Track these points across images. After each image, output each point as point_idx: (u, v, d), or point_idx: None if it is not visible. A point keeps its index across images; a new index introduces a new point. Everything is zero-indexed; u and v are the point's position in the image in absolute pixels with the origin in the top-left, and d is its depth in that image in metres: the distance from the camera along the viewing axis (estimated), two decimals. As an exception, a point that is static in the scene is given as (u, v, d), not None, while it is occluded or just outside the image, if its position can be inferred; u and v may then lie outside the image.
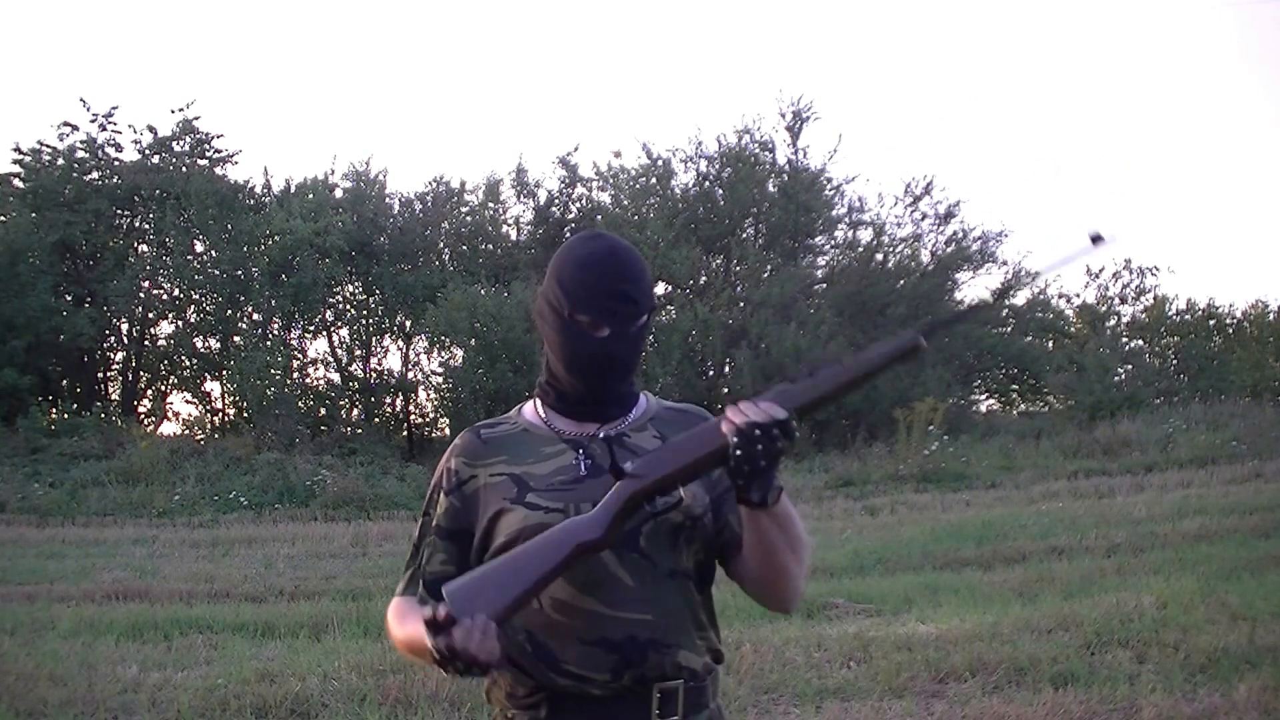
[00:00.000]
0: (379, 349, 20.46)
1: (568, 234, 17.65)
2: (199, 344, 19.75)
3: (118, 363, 20.83)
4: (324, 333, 20.09)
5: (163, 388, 20.62)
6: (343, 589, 8.46)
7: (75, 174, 19.54)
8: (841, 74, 37.47)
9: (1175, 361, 21.83)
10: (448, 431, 19.34)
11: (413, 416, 20.39)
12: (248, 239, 18.78)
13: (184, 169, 19.75)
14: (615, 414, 1.85)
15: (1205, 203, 37.72)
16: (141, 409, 19.89)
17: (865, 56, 39.40)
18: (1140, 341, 21.86)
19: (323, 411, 19.05)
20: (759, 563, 1.77)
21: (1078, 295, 22.13)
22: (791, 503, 1.74)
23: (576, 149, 23.57)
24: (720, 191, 20.13)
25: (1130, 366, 20.48)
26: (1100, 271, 21.88)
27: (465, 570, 1.76)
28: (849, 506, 12.75)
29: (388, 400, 20.04)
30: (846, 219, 21.04)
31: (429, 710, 4.91)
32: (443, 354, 19.58)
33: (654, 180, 20.41)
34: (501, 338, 17.26)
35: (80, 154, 19.63)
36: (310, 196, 19.27)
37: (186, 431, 19.36)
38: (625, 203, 20.70)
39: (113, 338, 20.36)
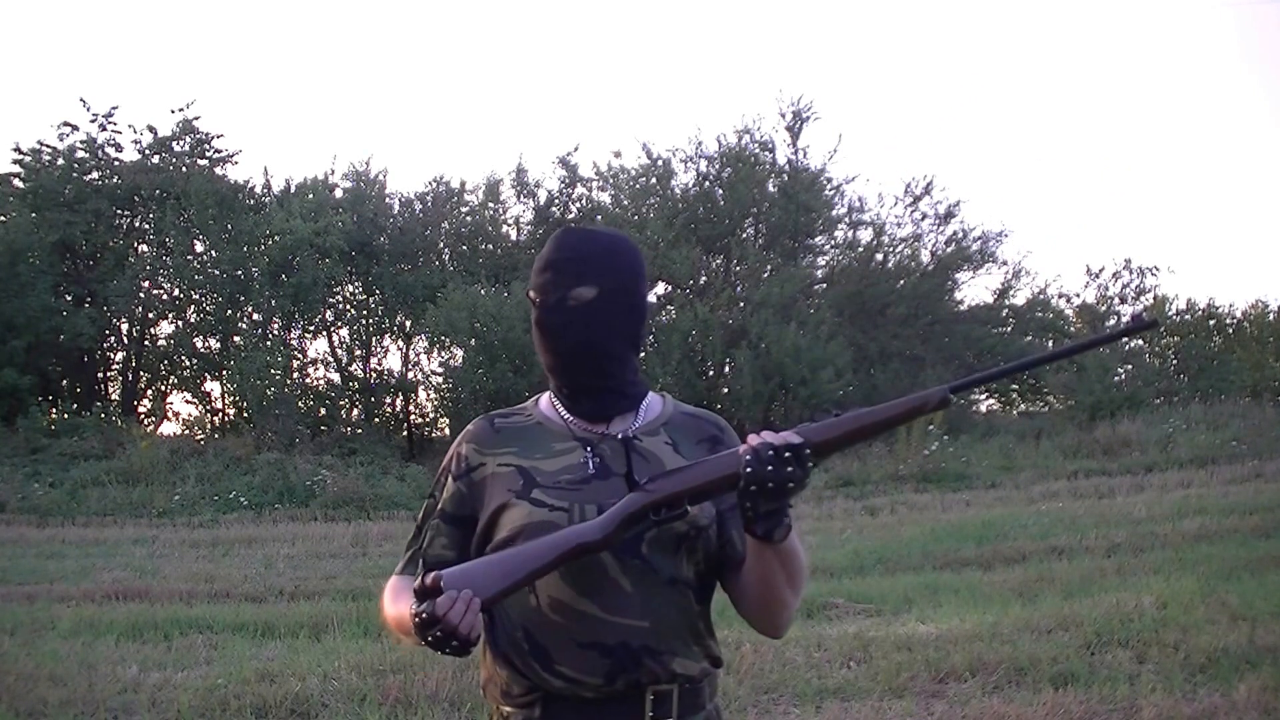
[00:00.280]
0: (379, 349, 20.46)
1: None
2: (199, 344, 19.73)
3: (118, 363, 20.82)
4: (324, 333, 20.09)
5: (163, 388, 20.61)
6: (343, 589, 8.46)
7: (75, 174, 19.53)
8: (841, 74, 37.50)
9: (1175, 361, 21.82)
10: (448, 431, 19.34)
11: (413, 416, 20.39)
12: (248, 239, 18.77)
13: (184, 169, 19.74)
14: (613, 411, 1.83)
15: (1205, 203, 37.75)
16: (141, 409, 19.88)
17: (865, 56, 39.43)
18: (1140, 342, 21.83)
19: (323, 411, 19.04)
20: (756, 589, 1.77)
21: (1078, 295, 22.10)
22: (798, 537, 1.72)
23: (576, 149, 23.60)
24: (720, 191, 20.12)
25: (1130, 366, 20.46)
26: (1100, 271, 21.91)
27: (466, 555, 1.78)
28: (849, 506, 12.75)
29: (388, 400, 20.03)
30: (846, 219, 21.05)
31: (429, 710, 4.91)
32: (443, 354, 19.57)
33: (654, 180, 20.40)
34: (501, 338, 17.25)
35: (80, 154, 19.62)
36: (310, 196, 19.25)
37: (186, 431, 19.36)
38: (625, 203, 20.69)
39: (113, 338, 20.35)
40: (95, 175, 19.77)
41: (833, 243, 21.35)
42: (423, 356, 20.23)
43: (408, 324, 19.98)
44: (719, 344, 18.26)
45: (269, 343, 18.86)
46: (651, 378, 16.65)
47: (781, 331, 17.63)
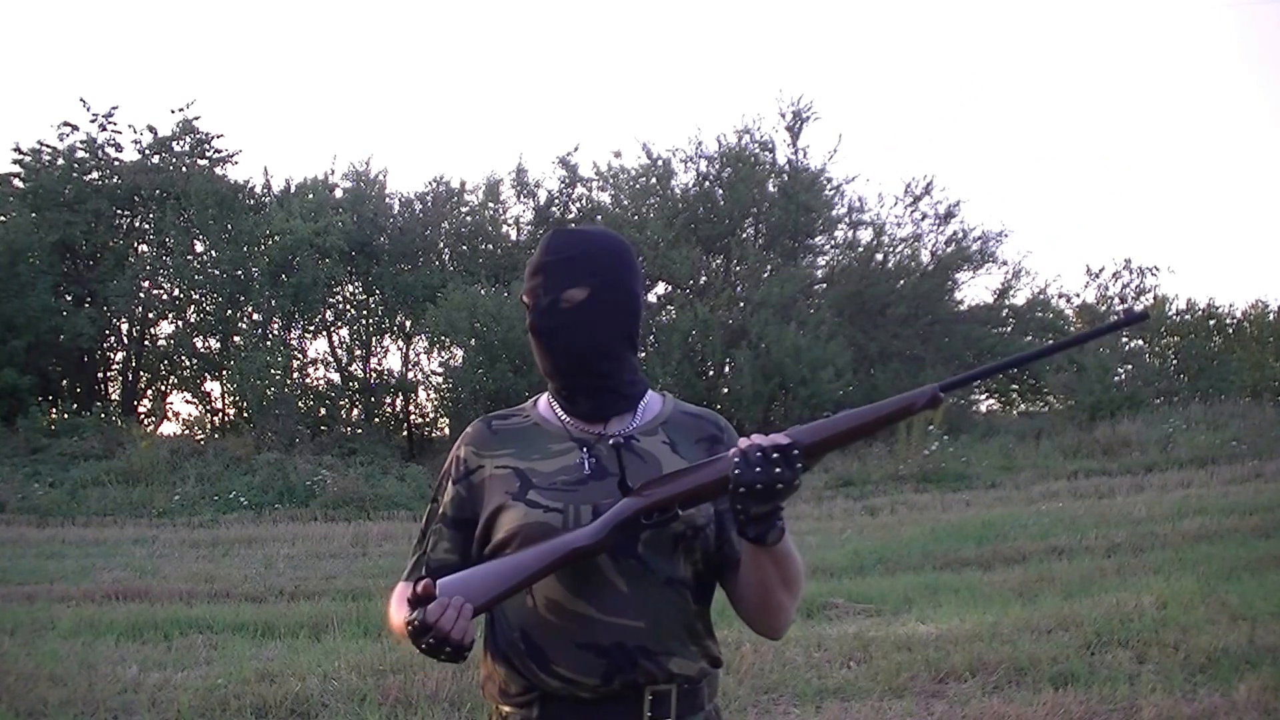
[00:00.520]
0: (379, 349, 20.45)
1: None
2: (199, 344, 19.73)
3: (118, 363, 20.82)
4: (324, 333, 20.08)
5: (163, 388, 20.60)
6: (343, 589, 8.46)
7: (75, 174, 19.52)
8: (841, 74, 37.50)
9: (1175, 361, 21.82)
10: (448, 431, 19.34)
11: (413, 416, 20.39)
12: (248, 239, 18.77)
13: (184, 169, 19.73)
14: (611, 411, 1.83)
15: (1205, 203, 37.74)
16: (141, 409, 19.87)
17: (865, 56, 39.43)
18: (1140, 341, 21.84)
19: (323, 411, 19.04)
20: (752, 591, 1.77)
21: (1078, 295, 22.11)
22: (792, 540, 1.72)
23: (576, 149, 23.61)
24: (720, 191, 20.12)
25: (1130, 366, 20.47)
26: (1100, 271, 21.92)
27: (469, 558, 1.79)
28: (849, 506, 12.75)
29: (388, 400, 20.02)
30: (846, 219, 21.05)
31: (429, 710, 4.91)
32: (443, 354, 19.57)
33: (654, 180, 20.40)
34: (501, 338, 17.25)
35: (80, 154, 19.62)
36: (310, 196, 19.25)
37: (186, 431, 19.36)
38: (625, 203, 20.69)
39: (113, 338, 20.35)
40: (95, 175, 19.76)
41: (833, 243, 21.38)
42: (423, 356, 20.26)
43: (408, 324, 19.98)
44: (719, 344, 18.26)
45: (269, 343, 18.86)
46: (651, 378, 16.57)
47: (781, 331, 17.63)
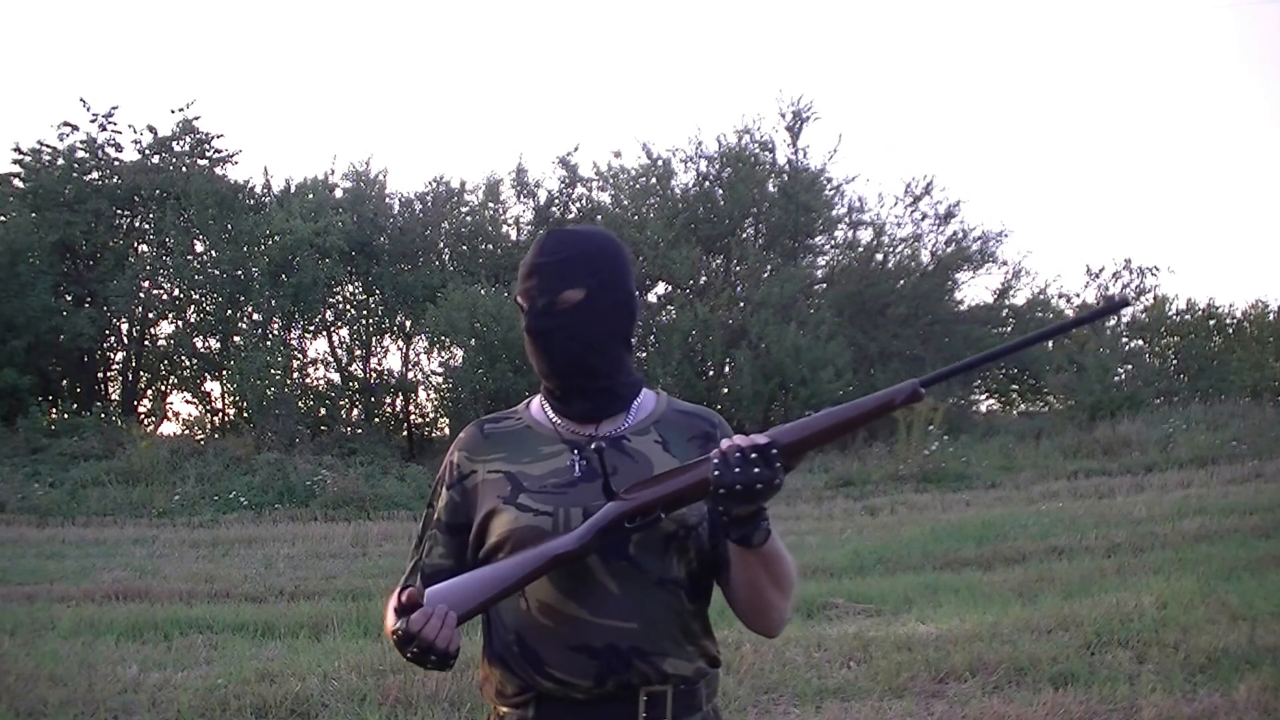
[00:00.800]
0: (379, 349, 20.45)
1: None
2: (199, 344, 19.73)
3: (118, 363, 20.82)
4: (324, 333, 20.08)
5: (163, 388, 20.60)
6: (343, 589, 8.46)
7: (75, 174, 19.52)
8: (841, 74, 37.50)
9: (1175, 361, 21.82)
10: (448, 431, 19.33)
11: (413, 416, 20.39)
12: (248, 239, 18.77)
13: (184, 169, 19.73)
14: (605, 412, 1.83)
15: (1205, 203, 37.73)
16: (141, 409, 19.87)
17: (865, 56, 39.42)
18: (1140, 341, 21.85)
19: (323, 411, 19.04)
20: (743, 592, 1.77)
21: (1077, 295, 22.09)
22: (781, 541, 1.72)
23: (576, 149, 23.60)
24: (720, 191, 20.13)
25: (1130, 366, 20.47)
26: (1100, 271, 21.92)
27: (463, 563, 1.79)
28: (849, 506, 12.76)
29: (388, 400, 20.02)
30: (846, 219, 21.06)
31: (429, 710, 4.91)
32: (443, 354, 19.57)
33: (654, 180, 20.41)
34: (501, 338, 17.25)
35: (80, 154, 19.62)
36: (310, 196, 19.25)
37: (186, 431, 19.36)
38: (625, 203, 20.69)
39: (113, 338, 20.34)
40: (95, 175, 19.76)
41: (833, 243, 21.40)
42: (423, 356, 20.26)
43: (408, 324, 19.98)
44: (719, 344, 18.26)
45: (269, 343, 18.86)
46: (651, 378, 16.65)
47: (781, 331, 17.64)
